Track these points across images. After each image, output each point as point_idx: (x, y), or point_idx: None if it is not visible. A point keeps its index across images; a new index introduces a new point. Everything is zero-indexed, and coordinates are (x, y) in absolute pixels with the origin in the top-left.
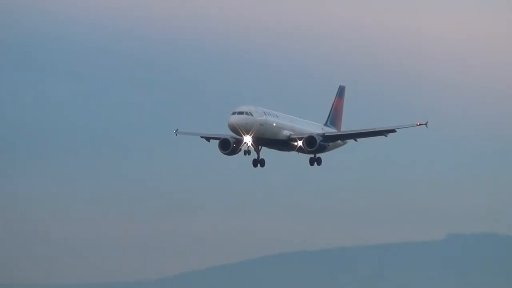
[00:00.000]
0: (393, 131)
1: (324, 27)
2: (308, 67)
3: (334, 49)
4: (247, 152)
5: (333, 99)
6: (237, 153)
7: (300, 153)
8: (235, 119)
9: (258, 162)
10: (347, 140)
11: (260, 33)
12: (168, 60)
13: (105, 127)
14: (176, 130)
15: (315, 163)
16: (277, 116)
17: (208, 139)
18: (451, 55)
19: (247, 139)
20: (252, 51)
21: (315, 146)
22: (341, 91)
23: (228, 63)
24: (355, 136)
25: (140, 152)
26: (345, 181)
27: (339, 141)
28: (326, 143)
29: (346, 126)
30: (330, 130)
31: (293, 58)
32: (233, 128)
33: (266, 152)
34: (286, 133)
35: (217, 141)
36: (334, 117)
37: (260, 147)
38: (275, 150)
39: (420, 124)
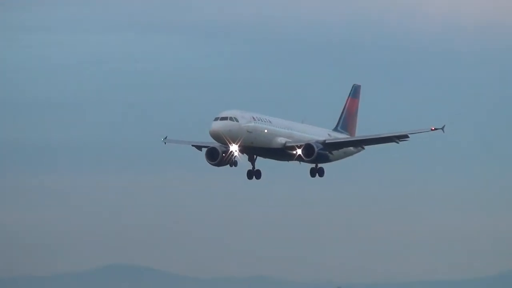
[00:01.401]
0: (406, 137)
1: (338, 22)
2: (317, 64)
3: (348, 46)
4: (233, 163)
5: (346, 100)
6: (227, 164)
7: (302, 163)
8: (218, 125)
9: (253, 174)
10: (361, 147)
11: (260, 30)
12: (163, 58)
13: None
14: (165, 138)
15: (317, 174)
16: (270, 122)
17: (199, 147)
18: (473, 56)
19: (234, 149)
20: (252, 49)
21: (313, 156)
22: (355, 91)
23: (227, 63)
24: (361, 143)
25: (126, 161)
26: (350, 196)
27: (351, 148)
28: (327, 152)
29: (362, 131)
30: (340, 136)
31: (297, 56)
32: (216, 136)
33: (262, 163)
34: (281, 140)
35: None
36: (346, 121)
37: (255, 157)
38: (273, 160)
39: (435, 129)
